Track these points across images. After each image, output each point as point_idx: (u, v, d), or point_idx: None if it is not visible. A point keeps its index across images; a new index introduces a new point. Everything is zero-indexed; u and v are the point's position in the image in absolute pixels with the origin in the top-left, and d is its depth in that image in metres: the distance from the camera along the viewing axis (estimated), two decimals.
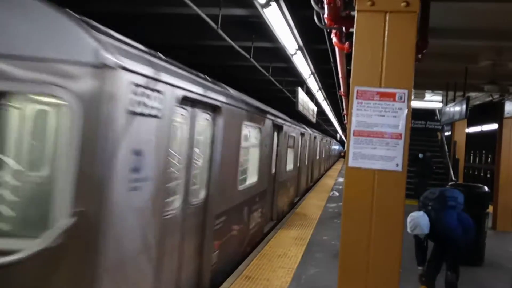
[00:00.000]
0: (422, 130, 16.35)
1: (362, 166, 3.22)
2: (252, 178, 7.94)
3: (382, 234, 3.19)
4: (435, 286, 5.78)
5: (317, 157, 23.16)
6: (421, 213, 5.54)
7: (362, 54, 3.27)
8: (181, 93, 4.11)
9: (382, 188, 3.18)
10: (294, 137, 12.84)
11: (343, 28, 4.64)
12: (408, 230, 5.44)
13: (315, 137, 20.61)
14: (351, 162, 3.25)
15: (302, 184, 16.31)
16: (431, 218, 5.48)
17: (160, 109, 3.60)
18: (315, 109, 16.32)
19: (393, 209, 3.18)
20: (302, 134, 14.87)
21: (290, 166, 12.41)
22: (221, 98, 5.52)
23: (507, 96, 10.90)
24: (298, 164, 14.58)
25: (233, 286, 5.92)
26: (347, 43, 5.51)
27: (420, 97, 14.26)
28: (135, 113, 3.21)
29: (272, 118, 9.21)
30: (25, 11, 2.87)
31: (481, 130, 32.11)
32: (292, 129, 12.14)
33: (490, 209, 10.40)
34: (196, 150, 5.01)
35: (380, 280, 3.20)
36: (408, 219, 5.47)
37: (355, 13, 3.31)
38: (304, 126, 16.16)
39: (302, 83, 12.46)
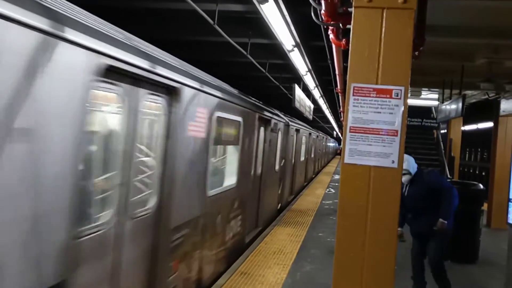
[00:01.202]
0: (418, 128, 16.40)
1: (358, 162, 3.22)
2: None
3: (377, 231, 3.19)
4: (426, 284, 5.78)
5: (303, 158, 17.47)
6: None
7: (359, 50, 3.26)
8: None
9: (378, 185, 3.18)
10: (239, 124, 6.97)
11: (340, 25, 4.63)
12: None
13: (297, 131, 14.94)
14: (347, 159, 3.25)
15: (269, 203, 10.47)
16: (423, 171, 5.82)
17: None
18: (312, 106, 16.31)
19: (388, 205, 3.18)
20: (267, 122, 9.42)
21: (230, 180, 6.95)
22: None
23: (503, 94, 10.94)
24: (260, 171, 9.23)
25: (228, 282, 5.92)
26: (344, 39, 5.51)
27: (417, 95, 14.28)
28: None
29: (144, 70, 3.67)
30: None
31: (477, 128, 32.19)
32: (234, 108, 6.51)
33: (485, 206, 10.45)
34: None
35: (375, 276, 3.21)
36: None
37: (352, 9, 3.30)
38: (279, 113, 11.17)
39: (299, 80, 12.45)
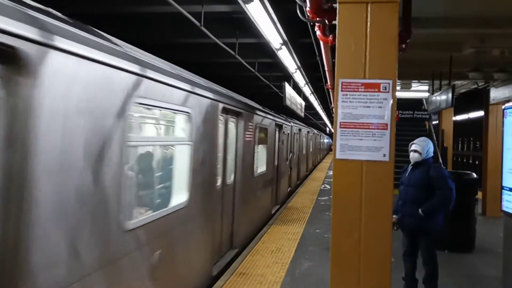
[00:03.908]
0: (410, 120, 16.45)
1: (350, 157, 3.23)
2: None
3: (372, 224, 3.20)
4: (417, 286, 5.72)
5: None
6: None
7: (345, 46, 3.27)
8: None
9: (371, 179, 3.19)
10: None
11: (326, 21, 4.64)
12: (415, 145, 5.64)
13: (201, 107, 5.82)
14: (339, 154, 3.26)
15: None
16: (433, 163, 5.71)
17: None
18: (303, 103, 16.31)
19: (382, 199, 3.19)
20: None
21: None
22: None
23: (492, 83, 11.00)
24: None
25: (227, 284, 5.91)
26: (331, 35, 5.51)
27: (407, 87, 14.33)
28: None
29: None
30: None
31: (468, 118, 32.36)
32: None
33: (479, 195, 10.50)
34: None
35: (372, 269, 3.22)
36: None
37: (337, 5, 3.31)
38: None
39: (289, 77, 12.45)
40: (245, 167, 7.98)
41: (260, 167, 9.74)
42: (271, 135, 11.08)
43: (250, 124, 8.28)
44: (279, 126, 12.62)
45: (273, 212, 11.56)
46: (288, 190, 15.11)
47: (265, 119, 10.17)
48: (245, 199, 8.03)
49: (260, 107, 10.05)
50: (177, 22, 8.19)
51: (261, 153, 10.03)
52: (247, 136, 8.00)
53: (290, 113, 15.17)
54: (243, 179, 7.84)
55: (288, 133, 14.61)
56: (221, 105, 6.22)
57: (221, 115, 6.44)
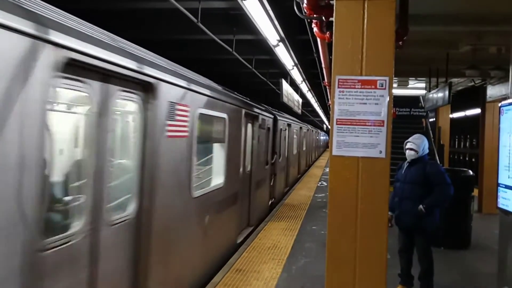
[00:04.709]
0: (407, 118, 16.47)
1: (346, 154, 3.23)
2: None
3: (368, 221, 3.21)
4: (413, 282, 5.74)
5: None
6: None
7: (342, 43, 3.28)
8: None
9: (367, 175, 3.20)
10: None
11: (323, 18, 4.64)
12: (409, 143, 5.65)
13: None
14: (335, 151, 3.27)
15: None
16: (428, 161, 5.76)
17: None
18: (300, 100, 16.31)
19: (378, 195, 3.20)
20: None
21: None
22: None
23: (488, 81, 11.02)
24: None
25: (224, 280, 5.92)
26: (328, 32, 5.51)
27: (404, 85, 14.36)
28: None
29: None
30: None
31: (465, 115, 32.44)
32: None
33: (476, 192, 10.53)
34: None
35: (368, 266, 3.23)
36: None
37: (334, 2, 3.31)
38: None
39: (286, 74, 12.44)
40: (171, 184, 4.63)
41: (214, 178, 6.69)
42: (235, 130, 7.51)
43: (183, 108, 4.86)
44: (253, 117, 9.20)
45: (239, 240, 8.05)
46: (270, 202, 11.78)
47: (223, 103, 6.63)
48: (173, 239, 4.71)
49: (217, 86, 6.77)
50: (174, 18, 8.17)
51: (216, 157, 6.84)
52: (172, 129, 4.57)
53: (287, 110, 15.16)
54: (167, 206, 4.50)
55: (269, 128, 11.32)
56: (59, 52, 2.68)
57: (75, 79, 3.02)
